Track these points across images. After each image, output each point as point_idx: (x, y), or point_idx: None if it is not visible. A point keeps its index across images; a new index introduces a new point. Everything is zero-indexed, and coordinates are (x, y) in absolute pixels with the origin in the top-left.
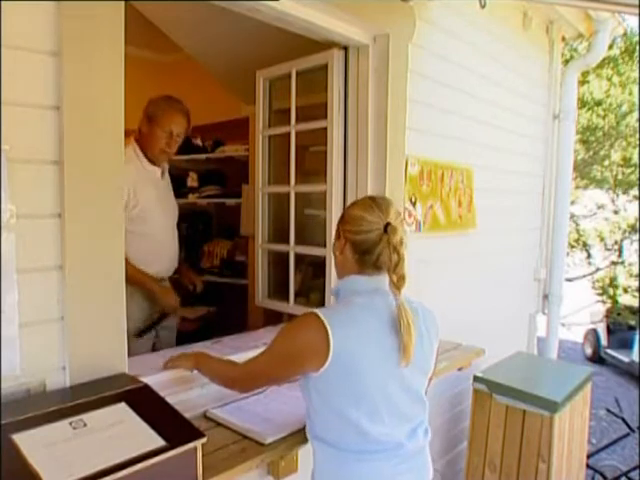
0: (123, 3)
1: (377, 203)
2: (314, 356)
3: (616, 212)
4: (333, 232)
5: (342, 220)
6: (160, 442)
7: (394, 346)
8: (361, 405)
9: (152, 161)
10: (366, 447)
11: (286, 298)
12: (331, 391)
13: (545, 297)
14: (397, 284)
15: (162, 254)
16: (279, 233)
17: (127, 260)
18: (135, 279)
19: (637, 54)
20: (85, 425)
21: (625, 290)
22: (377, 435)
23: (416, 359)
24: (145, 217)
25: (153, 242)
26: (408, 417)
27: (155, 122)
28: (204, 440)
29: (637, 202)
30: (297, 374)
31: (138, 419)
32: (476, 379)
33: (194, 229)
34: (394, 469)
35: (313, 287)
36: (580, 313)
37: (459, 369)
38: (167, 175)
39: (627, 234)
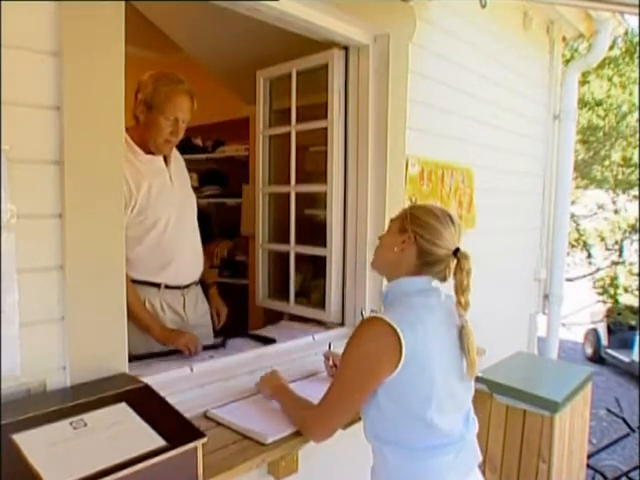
0: (123, 3)
1: (454, 222)
2: (388, 361)
3: (616, 212)
4: (334, 232)
5: (414, 222)
6: (160, 442)
7: (452, 339)
8: (432, 402)
9: (150, 152)
10: (434, 442)
11: (286, 298)
12: (404, 392)
13: (545, 297)
14: (464, 306)
15: (175, 257)
16: (279, 233)
17: (128, 284)
18: (134, 313)
19: (637, 54)
20: (85, 425)
21: (625, 290)
22: (445, 428)
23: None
24: (146, 215)
25: (161, 244)
26: (462, 406)
27: (157, 110)
28: (204, 440)
29: (637, 202)
30: (375, 386)
31: (138, 419)
32: (476, 379)
33: None
34: (457, 459)
35: (314, 287)
36: (580, 313)
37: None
38: (177, 160)
39: (627, 234)
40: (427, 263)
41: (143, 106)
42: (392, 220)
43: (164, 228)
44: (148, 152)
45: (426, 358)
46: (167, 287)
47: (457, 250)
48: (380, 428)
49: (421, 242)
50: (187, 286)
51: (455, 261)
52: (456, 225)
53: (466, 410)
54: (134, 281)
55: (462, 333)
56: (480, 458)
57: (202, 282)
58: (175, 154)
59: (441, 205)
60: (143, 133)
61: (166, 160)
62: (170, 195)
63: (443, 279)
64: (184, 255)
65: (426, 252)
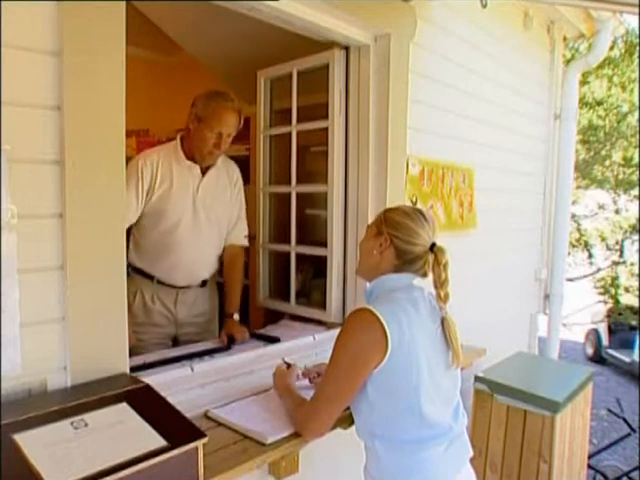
0: (124, 3)
1: (426, 219)
2: (376, 352)
3: (617, 212)
4: (334, 232)
5: (388, 224)
6: (161, 442)
7: (436, 332)
8: (420, 391)
9: (193, 159)
10: (424, 434)
11: (287, 298)
12: (391, 383)
13: (546, 297)
14: (444, 299)
15: (172, 257)
16: (280, 233)
17: None
18: None
19: (637, 54)
20: (86, 425)
21: (626, 290)
22: (433, 418)
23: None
24: (160, 212)
25: (163, 240)
26: (450, 399)
27: (203, 122)
28: (205, 440)
29: (638, 202)
30: (364, 377)
31: (139, 419)
32: (477, 379)
33: None
34: (446, 453)
35: (314, 287)
36: (581, 313)
37: (461, 369)
38: (222, 175)
39: (628, 234)
40: (406, 262)
41: (193, 118)
42: (369, 226)
43: (171, 227)
44: (191, 159)
45: (412, 348)
46: (161, 283)
47: (433, 245)
48: (371, 423)
49: (397, 242)
50: (184, 287)
51: (432, 256)
52: (429, 222)
53: (455, 403)
54: (135, 269)
55: (444, 325)
56: (471, 452)
57: (222, 309)
58: (230, 171)
59: (442, 203)
60: (191, 143)
61: (205, 171)
62: (188, 200)
63: (424, 275)
64: (183, 258)
65: (404, 251)
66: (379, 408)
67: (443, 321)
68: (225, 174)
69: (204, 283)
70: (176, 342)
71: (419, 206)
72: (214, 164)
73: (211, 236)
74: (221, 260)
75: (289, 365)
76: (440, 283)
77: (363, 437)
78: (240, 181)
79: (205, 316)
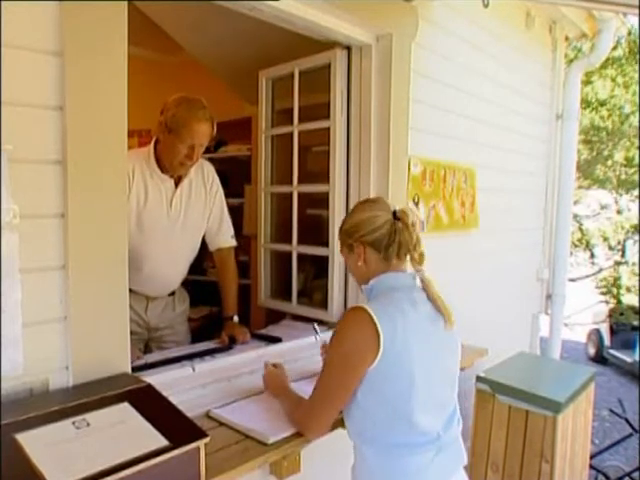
0: (125, 3)
1: (372, 200)
2: (369, 351)
3: (619, 212)
4: (336, 231)
5: (349, 232)
6: (163, 442)
7: (436, 335)
8: (412, 395)
9: (165, 169)
10: (413, 439)
11: (289, 298)
12: (383, 385)
13: (548, 297)
14: (418, 260)
15: (141, 271)
16: (281, 233)
17: None
18: None
19: (638, 54)
20: (88, 425)
21: (628, 290)
22: (424, 425)
23: (449, 341)
24: (133, 225)
25: (133, 252)
26: (445, 404)
27: (174, 133)
28: (207, 440)
29: (638, 202)
30: (360, 376)
31: (141, 419)
32: (479, 379)
33: None
34: (434, 460)
35: (316, 287)
36: (583, 313)
37: (461, 369)
38: (194, 180)
39: (630, 234)
40: (387, 247)
41: (163, 127)
42: (340, 250)
43: (144, 241)
44: (165, 170)
45: (405, 351)
46: (132, 291)
47: (394, 213)
48: (360, 425)
49: (367, 239)
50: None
51: (400, 223)
52: (377, 200)
53: (450, 409)
54: None
55: (424, 283)
56: (465, 460)
57: (221, 313)
58: (205, 173)
59: (444, 203)
60: (160, 152)
61: (178, 182)
62: (163, 214)
63: (408, 251)
64: (156, 272)
65: (377, 241)
66: (368, 409)
67: (422, 280)
68: (200, 177)
69: (173, 292)
70: (147, 346)
71: (421, 206)
72: (187, 173)
73: (186, 248)
74: (197, 264)
75: (275, 365)
76: (413, 245)
77: (352, 438)
78: (216, 180)
79: (176, 319)
